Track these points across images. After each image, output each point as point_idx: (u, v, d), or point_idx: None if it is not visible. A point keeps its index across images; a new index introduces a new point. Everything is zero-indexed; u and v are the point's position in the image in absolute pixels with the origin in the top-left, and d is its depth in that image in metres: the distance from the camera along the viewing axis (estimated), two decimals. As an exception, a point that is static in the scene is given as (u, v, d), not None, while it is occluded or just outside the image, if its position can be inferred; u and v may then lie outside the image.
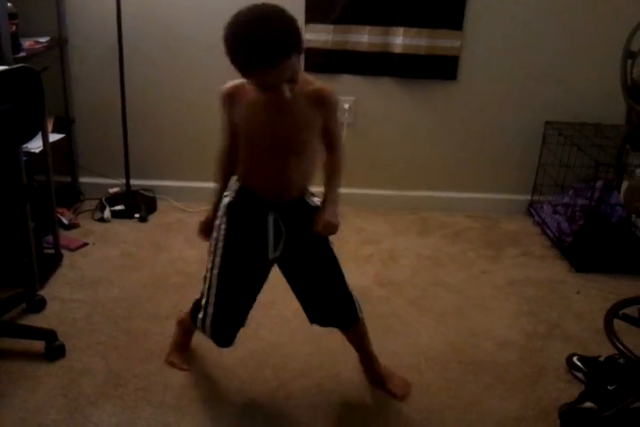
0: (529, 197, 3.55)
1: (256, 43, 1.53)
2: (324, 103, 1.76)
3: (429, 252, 3.13)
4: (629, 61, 1.93)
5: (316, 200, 1.91)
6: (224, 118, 1.83)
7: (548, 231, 3.32)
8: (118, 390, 2.08)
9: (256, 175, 1.85)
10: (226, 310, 1.95)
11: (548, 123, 3.36)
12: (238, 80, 1.73)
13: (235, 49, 1.56)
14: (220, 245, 1.90)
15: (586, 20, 3.21)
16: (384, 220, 3.43)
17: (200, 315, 1.97)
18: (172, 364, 2.19)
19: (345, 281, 2.00)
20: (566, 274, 2.98)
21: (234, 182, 1.90)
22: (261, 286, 1.98)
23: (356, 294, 2.03)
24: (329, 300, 2.01)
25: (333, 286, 1.99)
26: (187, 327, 2.18)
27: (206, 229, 1.96)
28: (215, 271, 1.91)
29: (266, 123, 1.74)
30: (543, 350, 2.41)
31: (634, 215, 2.86)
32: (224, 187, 1.92)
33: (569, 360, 2.29)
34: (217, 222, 1.91)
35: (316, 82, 1.78)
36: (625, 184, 2.04)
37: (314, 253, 1.95)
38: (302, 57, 1.70)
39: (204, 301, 1.96)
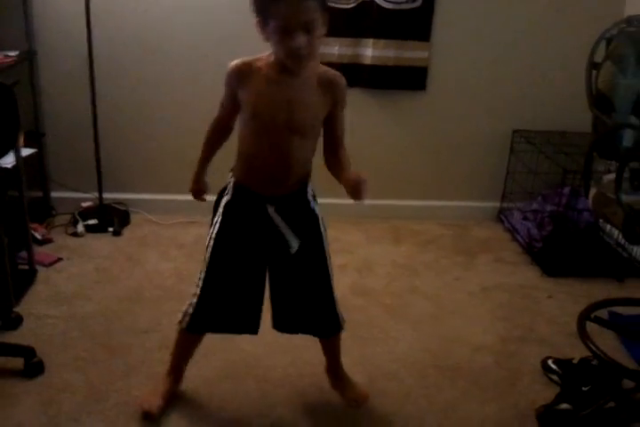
0: (499, 204, 3.62)
1: None
2: (336, 89, 1.80)
3: (403, 260, 3.17)
4: (594, 72, 2.00)
5: (311, 192, 1.95)
6: (227, 93, 1.82)
7: (518, 237, 3.38)
8: (100, 405, 2.07)
9: (257, 161, 1.84)
10: (209, 302, 1.96)
11: (515, 131, 3.44)
12: (248, 57, 1.76)
13: None
14: (212, 242, 1.93)
15: (551, 32, 3.30)
16: (357, 229, 3.46)
17: (184, 308, 2.00)
18: (146, 405, 2.04)
19: (332, 288, 2.02)
20: (538, 279, 3.04)
21: (230, 180, 1.91)
22: (258, 284, 1.98)
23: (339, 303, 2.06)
24: (313, 306, 2.02)
25: (320, 292, 2.01)
26: (175, 374, 2.13)
27: (197, 191, 2.02)
28: (204, 266, 1.94)
29: (277, 100, 1.75)
30: (518, 354, 2.46)
31: (601, 220, 2.94)
32: (208, 155, 1.96)
33: (544, 363, 2.34)
34: (214, 219, 1.93)
35: (326, 67, 1.82)
36: (593, 191, 2.10)
37: (306, 253, 1.94)
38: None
39: (192, 294, 1.98)
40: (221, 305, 1.98)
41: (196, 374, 2.21)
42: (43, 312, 2.55)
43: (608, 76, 1.96)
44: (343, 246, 3.26)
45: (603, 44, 2.04)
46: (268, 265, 1.98)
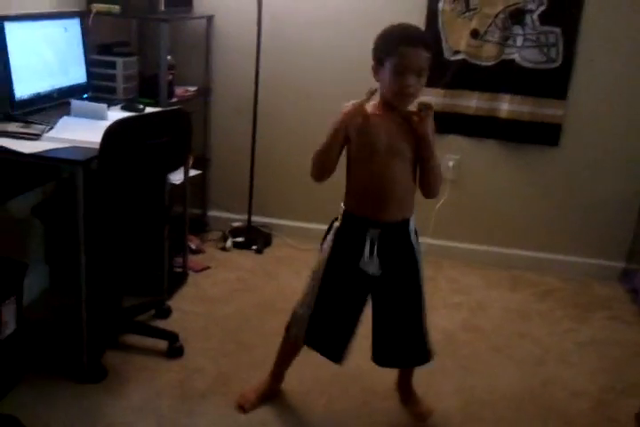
0: (623, 265, 3.63)
1: (420, 29, 2.02)
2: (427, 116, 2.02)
3: (518, 306, 3.29)
4: None
5: (413, 227, 2.13)
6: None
7: (638, 299, 3.39)
8: (224, 388, 2.42)
9: (363, 185, 2.06)
10: (319, 317, 2.19)
11: (645, 193, 3.49)
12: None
13: (403, 30, 1.98)
14: (323, 264, 2.16)
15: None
16: (477, 274, 3.61)
17: (293, 320, 2.25)
18: (242, 400, 2.34)
19: (423, 321, 2.19)
20: (652, 340, 3.06)
21: (341, 209, 2.14)
22: (360, 307, 2.17)
23: (431, 338, 2.24)
24: (403, 337, 2.21)
25: (411, 323, 2.19)
26: (275, 375, 2.40)
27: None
28: (316, 284, 2.17)
29: (378, 130, 2.01)
30: (616, 404, 2.52)
31: None
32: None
33: (638, 415, 2.39)
34: (325, 245, 2.17)
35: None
36: None
37: (401, 284, 2.15)
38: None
39: (300, 309, 2.23)
40: (325, 323, 2.20)
41: (310, 377, 2.51)
42: (189, 308, 2.97)
43: None
44: (460, 288, 3.44)
45: None
46: (369, 293, 2.17)
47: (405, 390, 2.41)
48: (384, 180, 2.04)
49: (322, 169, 2.06)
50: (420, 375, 2.41)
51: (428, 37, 2.02)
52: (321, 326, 2.21)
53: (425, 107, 1.99)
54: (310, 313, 2.20)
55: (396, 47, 1.92)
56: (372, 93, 1.96)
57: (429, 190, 2.10)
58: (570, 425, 2.38)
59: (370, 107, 2.05)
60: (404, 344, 2.22)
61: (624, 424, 2.40)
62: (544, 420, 2.40)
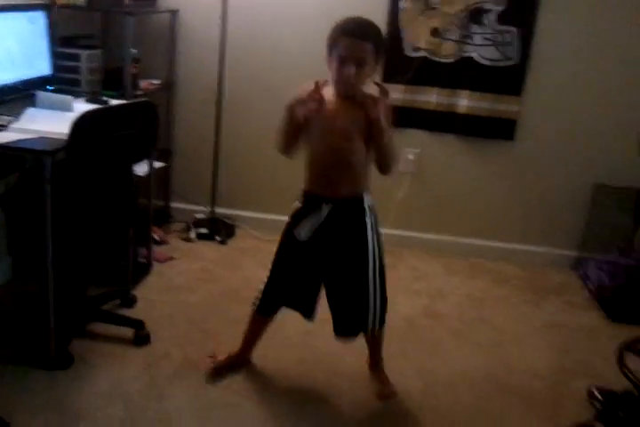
0: (576, 253, 3.77)
1: (366, 22, 2.12)
2: (378, 102, 2.15)
3: (476, 293, 3.40)
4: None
5: (369, 203, 2.27)
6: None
7: (590, 285, 3.53)
8: (190, 373, 2.47)
9: (317, 164, 2.23)
10: (274, 285, 2.39)
11: (596, 185, 3.61)
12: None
13: (348, 22, 2.10)
14: (281, 239, 2.36)
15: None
16: (437, 262, 3.72)
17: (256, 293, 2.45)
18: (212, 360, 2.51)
19: (368, 294, 2.31)
20: (602, 323, 3.18)
21: (300, 191, 2.31)
22: (314, 278, 2.34)
23: (378, 308, 2.35)
24: (347, 306, 2.35)
25: (356, 295, 2.32)
26: (244, 345, 2.55)
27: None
28: (273, 259, 2.39)
29: (332, 115, 2.16)
30: (568, 382, 2.65)
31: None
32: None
33: (589, 391, 2.52)
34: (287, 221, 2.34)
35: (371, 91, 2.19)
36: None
37: (349, 260, 2.28)
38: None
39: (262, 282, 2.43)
40: (283, 292, 2.39)
41: (274, 360, 2.60)
42: (154, 297, 3.01)
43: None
44: (420, 275, 3.55)
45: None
46: (324, 264, 2.32)
47: (373, 367, 2.51)
48: (334, 159, 2.20)
49: (281, 143, 2.26)
50: (389, 353, 2.50)
51: (374, 30, 2.12)
52: (275, 295, 2.41)
53: (381, 92, 2.17)
54: (264, 285, 2.40)
55: (339, 38, 2.08)
56: (319, 84, 2.13)
57: (384, 167, 2.24)
58: (526, 404, 2.49)
59: (328, 93, 2.18)
60: (347, 314, 2.36)
61: (577, 401, 2.52)
62: (502, 399, 2.50)
